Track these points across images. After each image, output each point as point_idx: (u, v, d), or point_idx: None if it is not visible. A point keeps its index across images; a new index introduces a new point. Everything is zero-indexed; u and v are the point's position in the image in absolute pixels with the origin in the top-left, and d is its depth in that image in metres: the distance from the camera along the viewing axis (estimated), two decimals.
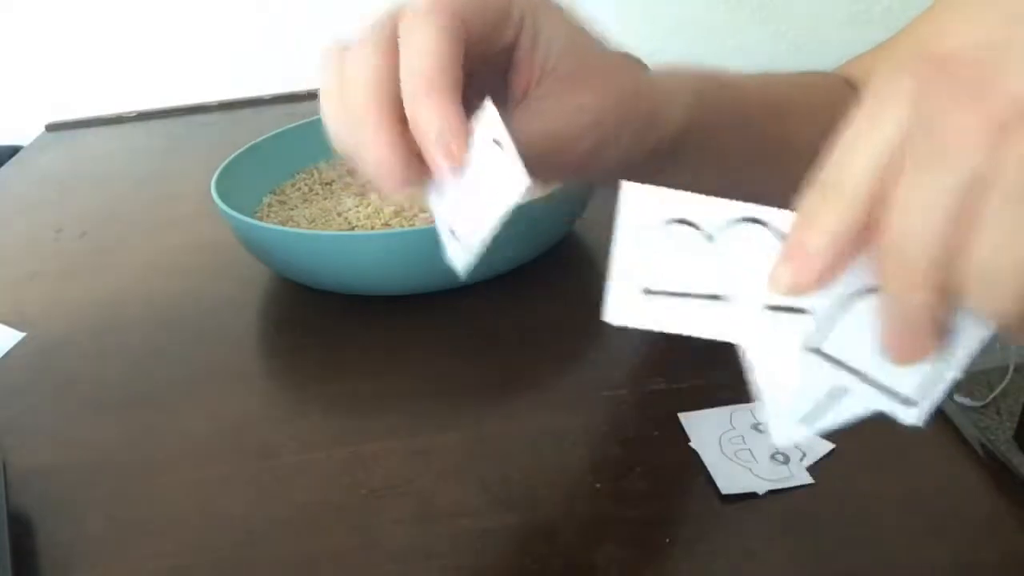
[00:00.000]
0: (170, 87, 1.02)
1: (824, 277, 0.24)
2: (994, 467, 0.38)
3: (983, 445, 0.39)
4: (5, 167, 0.90)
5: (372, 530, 0.38)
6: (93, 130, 0.98)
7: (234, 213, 0.52)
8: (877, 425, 0.40)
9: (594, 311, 0.26)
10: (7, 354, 0.54)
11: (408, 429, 0.43)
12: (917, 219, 0.22)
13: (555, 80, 0.36)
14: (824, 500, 0.37)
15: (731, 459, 0.39)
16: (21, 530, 0.39)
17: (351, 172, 0.64)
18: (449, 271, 0.32)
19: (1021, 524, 0.35)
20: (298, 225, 0.58)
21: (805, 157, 0.47)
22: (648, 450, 0.41)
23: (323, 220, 0.59)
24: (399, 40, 0.34)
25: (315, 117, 0.51)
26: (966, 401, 1.58)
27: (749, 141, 0.49)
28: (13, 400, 0.49)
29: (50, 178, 0.85)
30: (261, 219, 0.58)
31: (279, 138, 0.64)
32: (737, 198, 0.30)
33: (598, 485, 0.39)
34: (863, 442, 0.39)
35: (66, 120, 1.00)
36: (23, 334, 0.55)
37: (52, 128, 1.00)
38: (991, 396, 1.58)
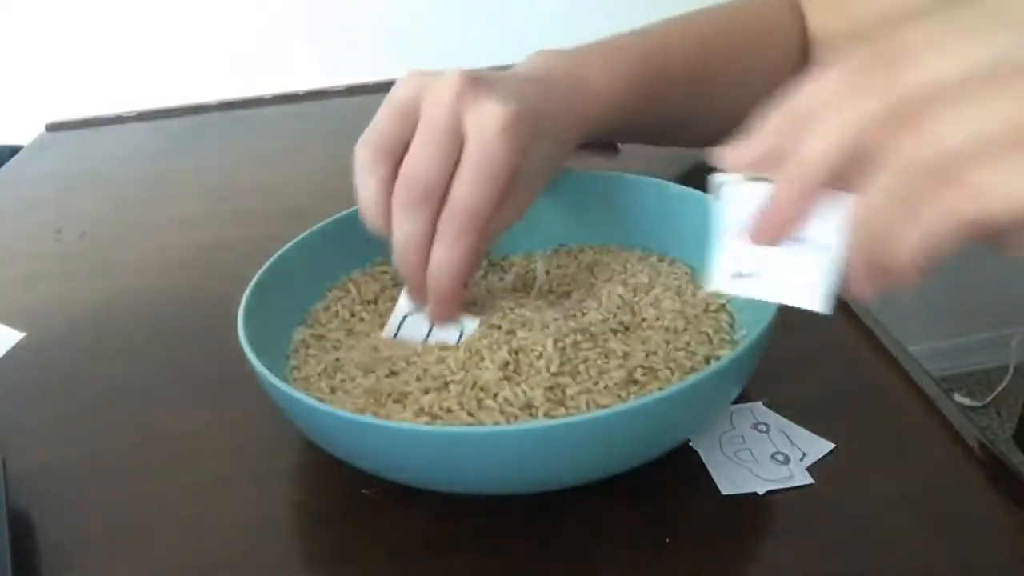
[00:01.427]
0: (170, 87, 1.02)
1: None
2: (994, 467, 0.38)
3: (983, 445, 0.39)
4: (5, 167, 0.90)
5: (372, 529, 0.38)
6: (93, 130, 0.98)
7: (294, 392, 0.36)
8: (877, 425, 0.40)
9: None
10: (7, 354, 0.54)
11: None
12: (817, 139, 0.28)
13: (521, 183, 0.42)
14: (824, 500, 0.37)
15: (731, 459, 0.39)
16: (21, 530, 0.39)
17: (394, 278, 0.49)
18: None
19: (1021, 524, 0.35)
20: (353, 381, 0.41)
21: (729, 96, 0.58)
22: None
23: (382, 369, 0.42)
24: (463, 155, 0.40)
25: (336, 217, 0.49)
26: (966, 401, 1.59)
27: (669, 107, 0.56)
28: (13, 400, 0.49)
29: (50, 178, 0.85)
30: (297, 366, 0.44)
31: (302, 247, 0.48)
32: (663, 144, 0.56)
33: (598, 485, 0.39)
34: (863, 442, 0.39)
35: (66, 120, 1.00)
36: (23, 334, 0.55)
37: (52, 128, 1.00)
38: (991, 396, 1.58)
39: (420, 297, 0.42)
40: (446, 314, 0.42)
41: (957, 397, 1.58)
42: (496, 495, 0.38)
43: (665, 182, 0.51)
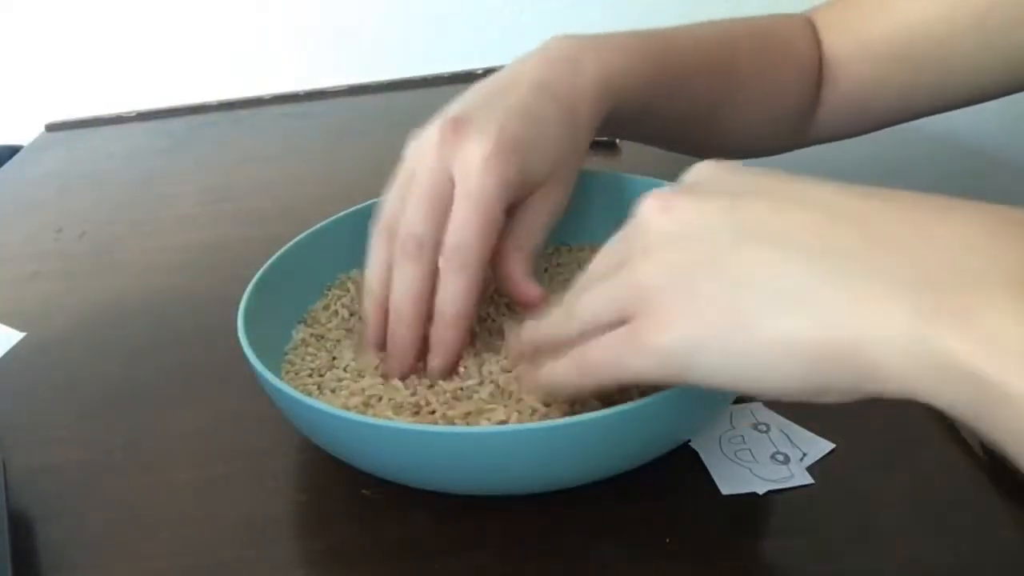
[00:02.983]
0: (170, 87, 1.02)
1: None
2: (994, 467, 0.38)
3: (983, 445, 0.39)
4: (5, 167, 0.90)
5: (372, 530, 0.38)
6: (93, 130, 0.98)
7: (289, 389, 0.36)
8: (877, 425, 0.40)
9: None
10: (7, 354, 0.54)
11: None
12: None
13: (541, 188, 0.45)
14: (824, 500, 0.37)
15: (731, 459, 0.39)
16: (21, 530, 0.39)
17: None
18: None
19: (1021, 524, 0.35)
20: (341, 383, 0.42)
21: (741, 107, 0.60)
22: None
23: (375, 373, 0.42)
24: (453, 204, 0.41)
25: (335, 217, 0.49)
26: None
27: (690, 103, 0.57)
28: (13, 400, 0.50)
29: (50, 178, 0.85)
30: (293, 361, 0.44)
31: (302, 247, 0.48)
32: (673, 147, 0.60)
33: (598, 485, 0.39)
34: (863, 442, 0.39)
35: (66, 120, 1.00)
36: (23, 334, 0.55)
37: (52, 128, 1.00)
38: None
39: (415, 352, 0.41)
40: (450, 358, 0.41)
41: None
42: (494, 496, 0.38)
43: (664, 182, 0.51)
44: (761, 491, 0.37)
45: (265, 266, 0.45)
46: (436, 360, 0.41)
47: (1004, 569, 0.33)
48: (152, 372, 0.51)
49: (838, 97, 0.62)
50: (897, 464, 0.38)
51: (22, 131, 0.99)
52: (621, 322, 0.31)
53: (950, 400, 0.25)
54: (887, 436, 0.40)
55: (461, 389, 0.39)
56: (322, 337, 0.46)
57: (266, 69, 1.02)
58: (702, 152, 0.65)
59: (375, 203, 0.46)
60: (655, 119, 0.56)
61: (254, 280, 0.44)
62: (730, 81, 0.58)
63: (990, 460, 0.38)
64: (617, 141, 0.74)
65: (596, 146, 0.75)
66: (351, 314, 0.48)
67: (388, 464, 0.37)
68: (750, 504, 0.37)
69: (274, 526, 0.39)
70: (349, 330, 0.47)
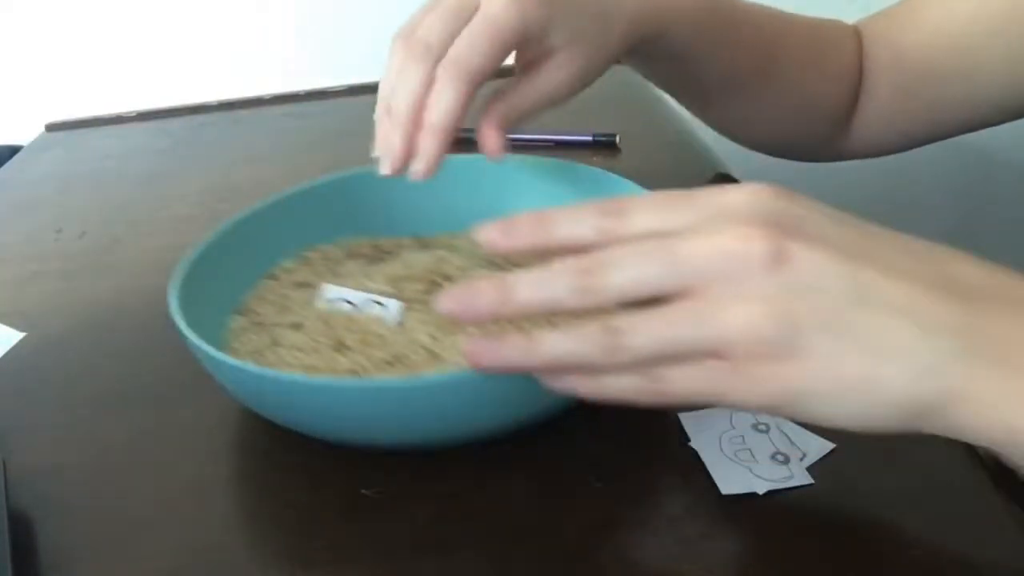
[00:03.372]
0: (170, 87, 1.02)
1: None
2: (994, 467, 0.38)
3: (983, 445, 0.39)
4: (5, 167, 0.90)
5: (373, 529, 0.38)
6: (93, 130, 0.98)
7: (219, 354, 0.39)
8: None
9: None
10: (7, 354, 0.54)
11: None
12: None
13: (555, 56, 0.46)
14: (824, 500, 0.37)
15: (731, 459, 0.39)
16: (21, 530, 0.39)
17: (326, 258, 0.53)
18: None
19: (1021, 524, 0.35)
20: (292, 360, 0.44)
21: (779, 94, 0.60)
22: (648, 450, 0.41)
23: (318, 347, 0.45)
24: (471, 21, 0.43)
25: (260, 206, 0.52)
26: None
27: (730, 65, 0.56)
28: (13, 400, 0.49)
29: (50, 178, 0.85)
30: (237, 349, 0.46)
31: (228, 239, 0.50)
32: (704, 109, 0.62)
33: (598, 485, 0.39)
34: (863, 442, 0.39)
35: (66, 120, 1.00)
36: (23, 334, 0.55)
37: (52, 128, 1.00)
38: None
39: (403, 156, 0.43)
40: (430, 165, 0.43)
41: None
42: (424, 450, 0.41)
43: (599, 170, 0.52)
44: (761, 491, 0.37)
45: (191, 258, 0.47)
46: (414, 165, 0.43)
47: (1004, 569, 0.33)
48: (152, 371, 0.51)
49: (871, 110, 0.61)
50: (897, 464, 0.38)
51: (22, 131, 0.99)
52: (702, 355, 0.30)
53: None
54: (887, 436, 0.40)
55: (396, 356, 0.42)
56: (261, 324, 0.47)
57: (266, 69, 1.02)
58: (724, 129, 0.64)
59: (296, 192, 0.52)
60: (691, 66, 0.55)
61: (179, 273, 0.46)
62: (774, 59, 0.57)
63: (990, 460, 0.38)
64: (617, 140, 0.74)
65: (596, 144, 0.75)
66: (285, 298, 0.49)
67: (306, 418, 0.40)
68: (750, 504, 0.37)
69: (274, 526, 0.39)
70: (286, 308, 0.48)
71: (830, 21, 0.62)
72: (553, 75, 0.46)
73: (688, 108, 0.63)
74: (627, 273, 0.31)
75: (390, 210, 0.55)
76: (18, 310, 0.59)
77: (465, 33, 0.42)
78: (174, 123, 0.96)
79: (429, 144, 0.42)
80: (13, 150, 0.94)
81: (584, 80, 0.47)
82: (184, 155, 0.87)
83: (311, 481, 0.41)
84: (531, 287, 0.32)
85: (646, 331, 0.31)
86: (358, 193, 0.55)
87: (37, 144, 0.96)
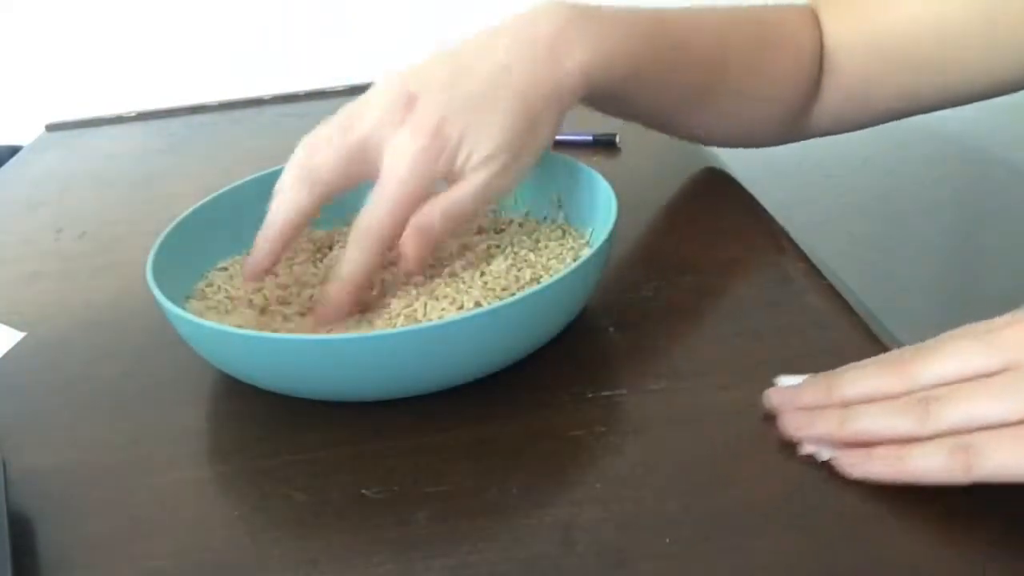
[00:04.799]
0: (170, 87, 1.02)
1: None
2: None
3: None
4: (5, 167, 0.90)
5: (373, 529, 0.38)
6: (93, 130, 0.98)
7: (192, 317, 0.43)
8: None
9: None
10: (7, 354, 0.54)
11: (409, 427, 0.43)
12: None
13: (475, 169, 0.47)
14: (824, 500, 0.37)
15: None
16: (21, 530, 0.39)
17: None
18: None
19: (1021, 524, 0.35)
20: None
21: (733, 98, 0.60)
22: (648, 449, 0.41)
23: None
24: (379, 180, 0.47)
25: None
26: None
27: (680, 90, 0.57)
28: (13, 400, 0.49)
29: (50, 178, 0.85)
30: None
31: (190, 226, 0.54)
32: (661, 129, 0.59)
33: (598, 485, 0.39)
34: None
35: (66, 120, 1.00)
36: (23, 334, 0.55)
37: (52, 128, 1.00)
38: None
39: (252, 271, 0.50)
40: (331, 319, 0.47)
41: None
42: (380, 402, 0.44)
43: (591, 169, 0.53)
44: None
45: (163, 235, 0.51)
46: (319, 313, 0.47)
47: (1004, 569, 0.33)
48: (152, 372, 0.51)
49: (837, 89, 0.60)
50: None
51: (22, 131, 0.99)
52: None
53: None
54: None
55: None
56: (215, 308, 0.50)
57: (266, 69, 1.02)
58: (690, 137, 0.64)
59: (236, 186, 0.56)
60: (640, 101, 0.55)
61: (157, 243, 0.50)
62: (722, 70, 0.57)
63: None
64: (617, 140, 0.74)
65: (596, 144, 0.75)
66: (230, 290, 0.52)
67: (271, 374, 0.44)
68: (750, 504, 0.37)
69: (274, 526, 0.39)
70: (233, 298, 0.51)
71: (778, 8, 0.60)
72: (478, 186, 0.47)
73: (647, 127, 0.63)
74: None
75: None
76: (18, 310, 0.59)
77: (374, 201, 0.46)
78: (174, 123, 0.96)
79: (338, 297, 0.47)
80: (13, 150, 0.94)
81: (521, 169, 0.48)
82: (184, 155, 0.87)
83: (311, 481, 0.41)
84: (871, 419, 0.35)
85: (965, 398, 0.32)
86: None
87: (37, 144, 0.96)
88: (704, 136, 0.64)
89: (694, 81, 0.56)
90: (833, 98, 0.60)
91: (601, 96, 0.51)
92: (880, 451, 0.34)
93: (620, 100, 0.55)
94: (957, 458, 0.31)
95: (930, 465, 0.32)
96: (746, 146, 0.65)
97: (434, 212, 0.46)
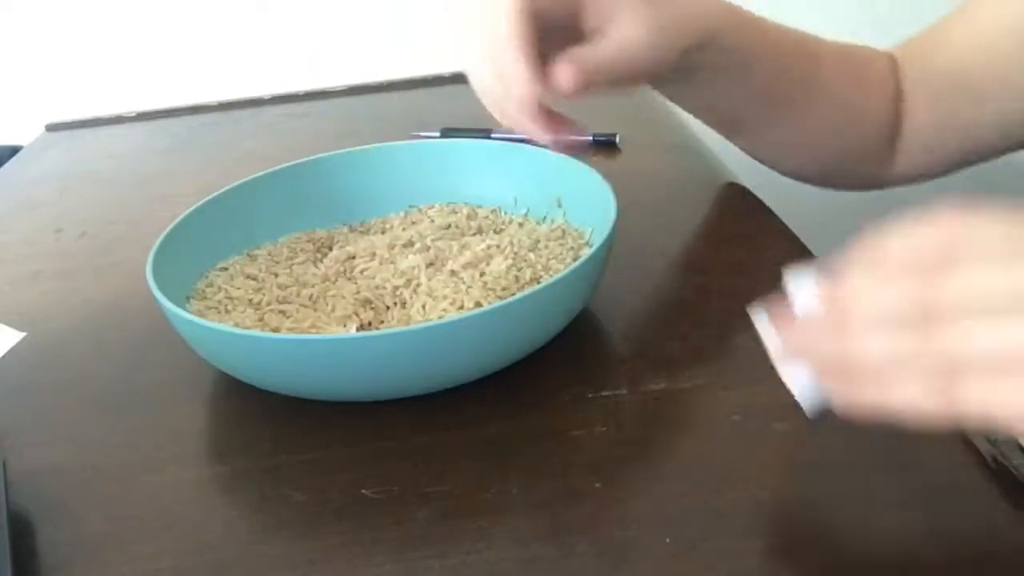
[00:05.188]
0: (170, 87, 1.02)
1: None
2: (994, 467, 0.38)
3: (988, 441, 0.39)
4: (5, 167, 0.90)
5: (372, 529, 0.38)
6: (93, 130, 0.98)
7: (192, 317, 0.43)
8: (877, 425, 0.40)
9: None
10: (7, 354, 0.54)
11: (409, 427, 0.43)
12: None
13: (617, 18, 0.47)
14: (824, 499, 0.37)
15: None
16: (21, 530, 0.39)
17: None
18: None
19: (1021, 524, 0.35)
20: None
21: (823, 109, 0.60)
22: (648, 449, 0.41)
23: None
24: None
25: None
26: None
27: (775, 74, 0.56)
28: (13, 400, 0.49)
29: (50, 178, 0.85)
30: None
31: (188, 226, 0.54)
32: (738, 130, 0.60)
33: (598, 485, 0.39)
34: (863, 442, 0.39)
35: (66, 120, 1.00)
36: (23, 334, 0.55)
37: (52, 128, 1.00)
38: None
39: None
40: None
41: None
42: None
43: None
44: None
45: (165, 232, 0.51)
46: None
47: (1004, 569, 0.33)
48: (152, 372, 0.51)
49: (911, 133, 0.59)
50: (897, 464, 0.38)
51: (22, 131, 0.99)
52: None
53: None
54: (887, 436, 0.40)
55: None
56: (215, 308, 0.50)
57: (266, 69, 1.02)
58: (762, 152, 0.63)
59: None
60: (735, 78, 0.55)
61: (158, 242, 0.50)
62: (815, 72, 0.57)
63: (990, 460, 0.38)
64: (617, 140, 0.74)
65: (596, 144, 0.75)
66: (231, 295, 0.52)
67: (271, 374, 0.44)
68: (750, 503, 0.37)
69: (274, 526, 0.39)
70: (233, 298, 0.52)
71: (861, 45, 0.61)
72: (621, 32, 0.47)
73: (722, 131, 0.61)
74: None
75: (320, 203, 0.60)
76: (18, 310, 0.59)
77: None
78: (174, 123, 0.96)
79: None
80: (13, 150, 0.95)
81: (652, 45, 0.48)
82: (184, 155, 0.87)
83: (311, 481, 0.41)
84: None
85: (984, 333, 0.27)
86: (294, 187, 0.60)
87: (37, 144, 0.96)
88: (783, 153, 0.62)
89: (788, 75, 0.56)
90: (909, 144, 0.60)
91: (698, 60, 0.52)
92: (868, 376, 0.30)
93: (714, 73, 0.54)
94: (939, 395, 0.28)
95: (911, 395, 0.28)
96: (821, 182, 0.64)
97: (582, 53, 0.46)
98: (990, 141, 0.58)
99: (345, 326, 0.47)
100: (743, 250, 0.57)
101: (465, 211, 0.58)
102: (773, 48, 0.55)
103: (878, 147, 0.60)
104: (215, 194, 0.56)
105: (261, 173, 0.58)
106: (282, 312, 0.49)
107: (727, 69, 0.54)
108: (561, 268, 0.49)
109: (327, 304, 0.49)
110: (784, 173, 0.64)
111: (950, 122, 0.58)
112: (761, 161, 0.63)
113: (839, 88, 0.58)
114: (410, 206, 0.60)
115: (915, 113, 0.59)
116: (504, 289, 0.47)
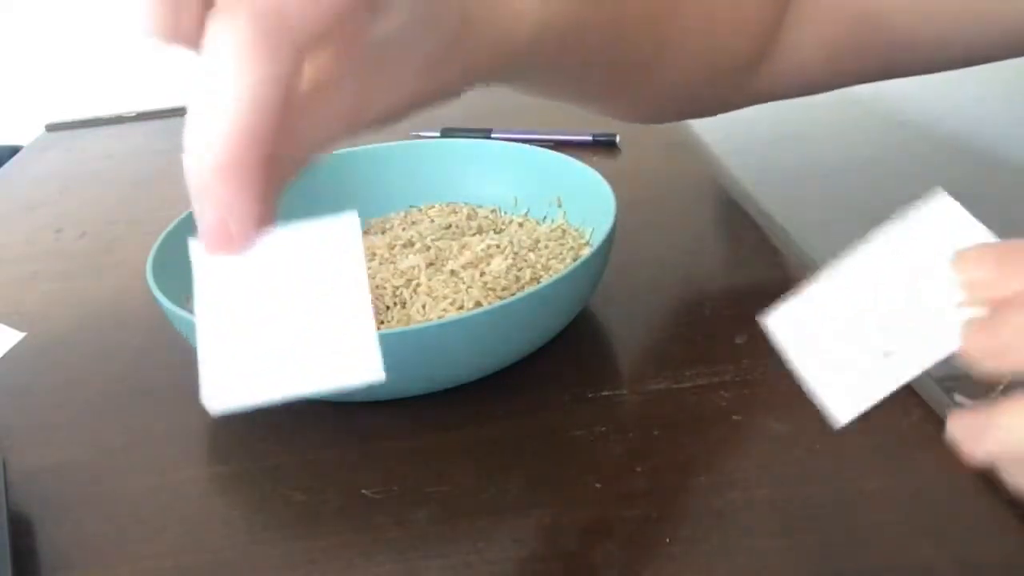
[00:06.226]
0: (170, 87, 1.02)
1: None
2: (994, 467, 0.38)
3: None
4: (5, 167, 0.90)
5: (373, 530, 0.38)
6: (93, 130, 0.98)
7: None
8: (877, 425, 0.40)
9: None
10: (7, 354, 0.54)
11: (409, 427, 0.43)
12: None
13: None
14: (824, 500, 0.37)
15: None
16: (21, 530, 0.39)
17: None
18: None
19: (1021, 524, 0.35)
20: None
21: (682, 61, 0.52)
22: (648, 450, 0.41)
23: None
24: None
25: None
26: (966, 402, 1.59)
27: (621, 55, 0.49)
28: (13, 400, 0.49)
29: (50, 178, 0.85)
30: None
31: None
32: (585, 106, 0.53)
33: (598, 485, 0.39)
34: (863, 442, 0.39)
35: (66, 120, 1.00)
36: (23, 334, 0.55)
37: (52, 128, 1.00)
38: (991, 397, 1.58)
39: None
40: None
41: (958, 397, 1.58)
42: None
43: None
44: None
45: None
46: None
47: (1004, 569, 0.33)
48: (152, 372, 0.51)
49: (796, 57, 0.53)
50: (897, 464, 0.38)
51: (22, 131, 0.99)
52: None
53: None
54: (887, 436, 0.40)
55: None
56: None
57: None
58: (607, 112, 0.57)
59: None
60: (575, 74, 0.48)
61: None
62: (665, 33, 0.50)
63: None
64: (617, 140, 0.74)
65: (596, 144, 0.75)
66: None
67: None
68: (750, 503, 0.37)
69: (274, 526, 0.39)
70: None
71: None
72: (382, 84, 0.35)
73: (585, 106, 0.56)
74: None
75: (320, 202, 0.57)
76: (18, 310, 0.59)
77: None
78: (174, 123, 0.96)
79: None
80: (13, 150, 0.95)
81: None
82: (184, 155, 0.87)
83: (311, 481, 0.41)
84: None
85: None
86: (294, 187, 0.58)
87: (37, 144, 0.96)
88: (645, 111, 0.57)
89: (643, 45, 0.49)
90: (792, 66, 0.53)
91: (552, 45, 0.42)
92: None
93: (552, 76, 0.47)
94: None
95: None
96: (687, 118, 0.60)
97: None
98: (903, 72, 0.53)
99: None
100: (743, 249, 0.57)
101: (465, 211, 0.58)
102: (612, 31, 0.46)
103: (742, 74, 0.53)
104: None
105: None
106: None
107: (556, 74, 0.47)
108: (561, 268, 0.49)
109: None
110: (641, 122, 0.61)
111: (865, 59, 0.52)
112: (617, 119, 0.59)
113: (699, 35, 0.51)
114: (410, 206, 0.60)
115: (810, 44, 0.52)
116: (504, 289, 0.47)
